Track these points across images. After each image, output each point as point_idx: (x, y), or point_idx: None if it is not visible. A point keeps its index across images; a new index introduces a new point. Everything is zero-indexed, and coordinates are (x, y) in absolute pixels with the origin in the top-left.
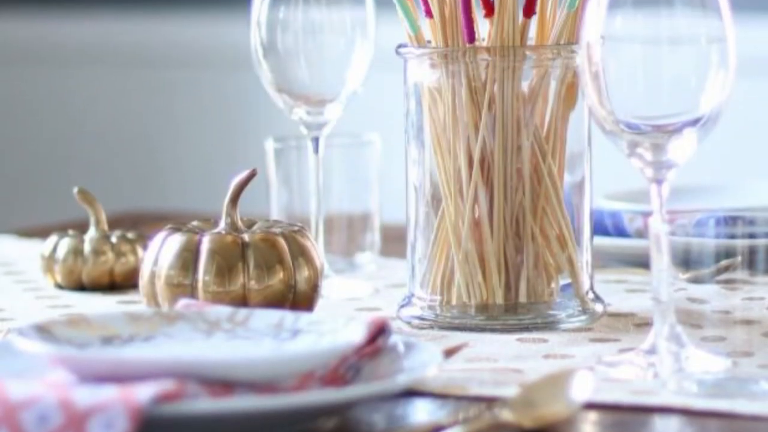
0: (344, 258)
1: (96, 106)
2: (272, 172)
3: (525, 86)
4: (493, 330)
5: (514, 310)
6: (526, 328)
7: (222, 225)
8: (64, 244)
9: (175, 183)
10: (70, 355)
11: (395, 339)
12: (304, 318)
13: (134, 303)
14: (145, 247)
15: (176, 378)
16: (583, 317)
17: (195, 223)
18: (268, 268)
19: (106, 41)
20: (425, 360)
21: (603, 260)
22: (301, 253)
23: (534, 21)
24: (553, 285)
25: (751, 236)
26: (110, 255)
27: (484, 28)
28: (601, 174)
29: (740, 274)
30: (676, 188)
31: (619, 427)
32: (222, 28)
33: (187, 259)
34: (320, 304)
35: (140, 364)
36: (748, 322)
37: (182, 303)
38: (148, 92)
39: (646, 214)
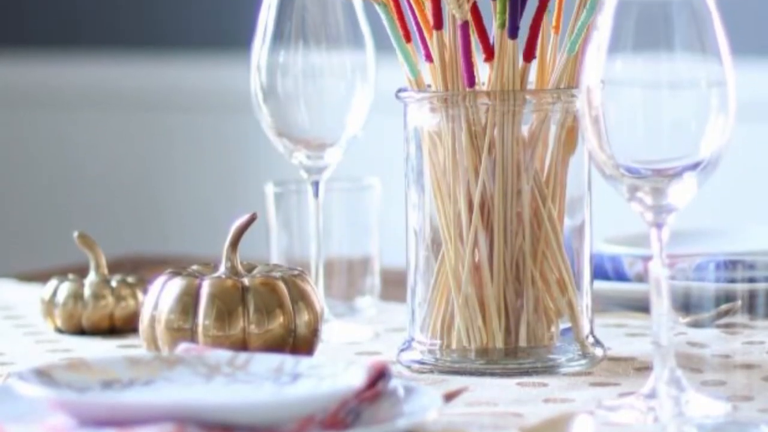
0: (344, 302)
1: (96, 150)
2: (272, 216)
3: (525, 130)
4: (493, 374)
5: (514, 354)
6: (526, 372)
7: (222, 269)
8: (64, 288)
9: (175, 227)
10: (70, 399)
11: (395, 383)
12: (304, 362)
13: (134, 347)
14: (145, 291)
15: (176, 422)
16: (583, 361)
17: (195, 267)
18: (268, 313)
19: (106, 85)
20: (425, 404)
21: (603, 304)
22: (301, 297)
23: (534, 65)
24: (553, 329)
25: (751, 280)
26: (110, 299)
27: (484, 72)
28: (601, 218)
29: (740, 319)
30: (676, 232)
31: None
32: (222, 72)
33: (187, 303)
34: (320, 348)
35: (140, 408)
36: (748, 367)
37: (182, 347)
38: (148, 136)
39: (646, 258)
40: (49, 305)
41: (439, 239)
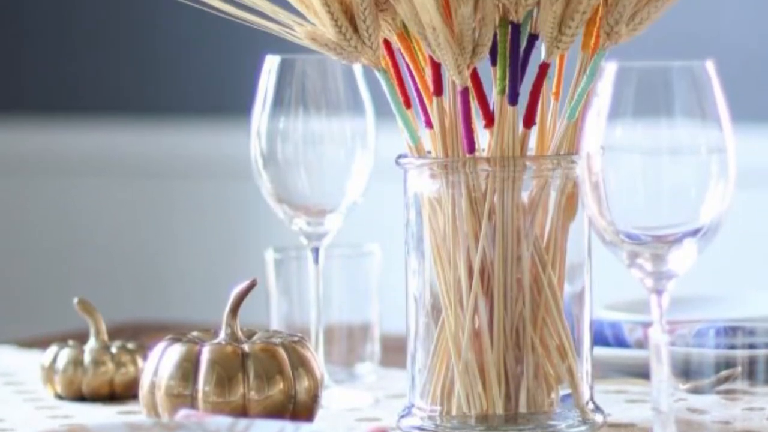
0: (344, 368)
1: (96, 216)
2: (272, 282)
3: (525, 196)
4: None
5: (514, 420)
6: None
7: (222, 335)
8: (64, 355)
9: (175, 293)
10: None
11: None
12: (304, 428)
13: (134, 413)
14: (145, 358)
15: None
16: (583, 428)
17: (195, 333)
18: (268, 379)
19: (106, 151)
20: None
21: (603, 371)
22: (301, 363)
23: (534, 131)
24: (553, 395)
25: (751, 347)
26: (110, 365)
27: (484, 138)
28: (601, 284)
29: (740, 385)
30: (676, 299)
31: None
32: (222, 139)
33: (187, 369)
34: (320, 414)
35: None
36: None
37: (182, 413)
38: (148, 202)
39: (646, 325)
40: (49, 371)
41: (439, 305)
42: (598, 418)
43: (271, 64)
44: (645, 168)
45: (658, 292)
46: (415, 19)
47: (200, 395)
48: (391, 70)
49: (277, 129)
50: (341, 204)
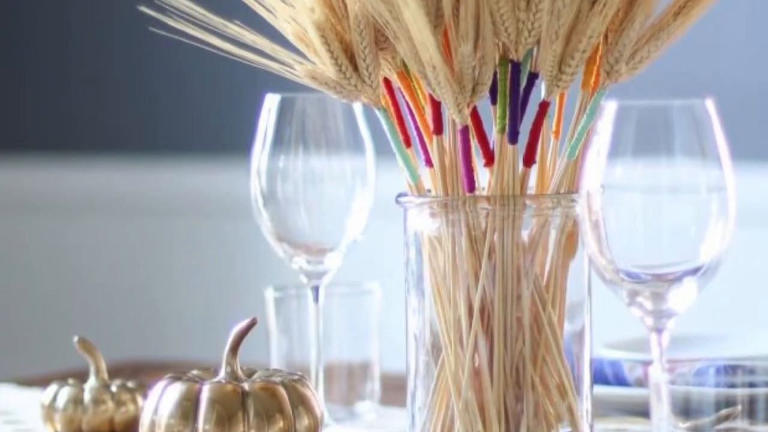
0: (344, 407)
1: (96, 254)
2: (272, 320)
3: (525, 235)
4: None
5: None
6: None
7: (222, 374)
8: (64, 393)
9: (175, 331)
10: None
11: None
12: None
13: None
14: (145, 396)
15: None
16: None
17: (195, 371)
18: (268, 417)
19: (106, 190)
20: None
21: (603, 409)
22: (301, 402)
23: (534, 170)
24: None
25: (751, 385)
26: (110, 404)
27: (484, 177)
28: (600, 322)
29: (740, 424)
30: (676, 337)
31: None
32: (222, 177)
33: (188, 408)
34: None
35: None
36: None
37: None
38: (148, 241)
39: (646, 363)
40: (50, 410)
41: (439, 344)
42: None
43: (271, 102)
44: (645, 207)
45: (658, 330)
46: (415, 58)
47: None
48: (391, 108)
49: (277, 167)
50: (341, 242)
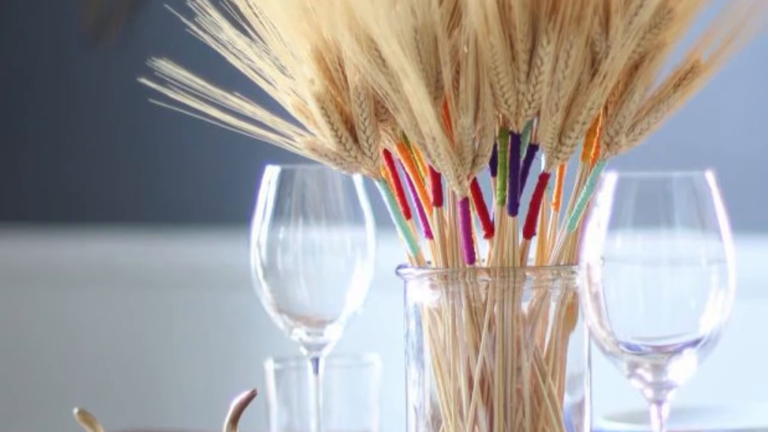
0: None
1: (96, 326)
2: (272, 392)
3: (525, 307)
4: None
5: None
6: None
7: None
8: None
9: (175, 403)
10: None
11: None
12: None
13: None
14: None
15: None
16: None
17: None
18: None
19: (106, 262)
20: None
21: None
22: None
23: (534, 241)
24: None
25: None
26: None
27: (484, 248)
28: (600, 394)
29: None
30: (676, 409)
31: None
32: (222, 249)
33: None
34: None
35: None
36: None
37: None
38: (148, 312)
39: None
40: None
41: (439, 416)
42: None
43: (271, 174)
44: (645, 278)
45: (659, 402)
46: (415, 129)
47: None
48: (391, 180)
49: (277, 239)
50: (341, 314)
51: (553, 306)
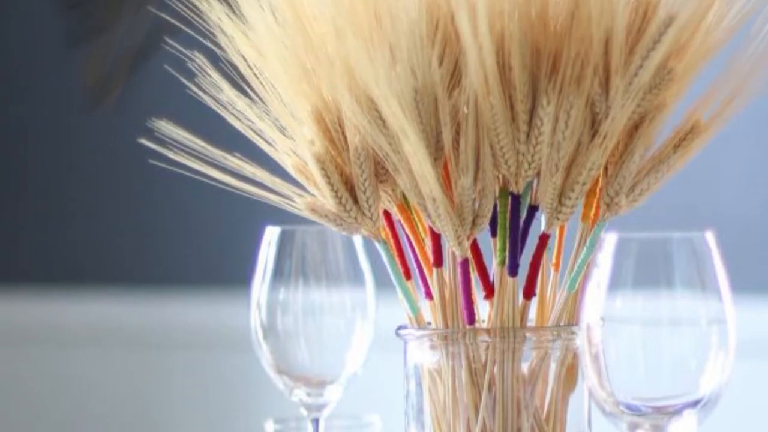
0: None
1: (96, 387)
2: None
3: (525, 367)
4: None
5: None
6: None
7: None
8: None
9: None
10: None
11: None
12: None
13: None
14: None
15: None
16: None
17: None
18: None
19: (106, 322)
20: None
21: None
22: None
23: (534, 302)
24: None
25: None
26: None
27: (484, 309)
28: None
29: None
30: None
31: None
32: (222, 310)
33: None
34: None
35: None
36: None
37: None
38: (148, 373)
39: None
40: None
41: None
42: None
43: (271, 235)
44: (645, 339)
45: None
46: (415, 190)
47: None
48: (391, 241)
49: (277, 300)
50: (341, 375)
51: (553, 366)
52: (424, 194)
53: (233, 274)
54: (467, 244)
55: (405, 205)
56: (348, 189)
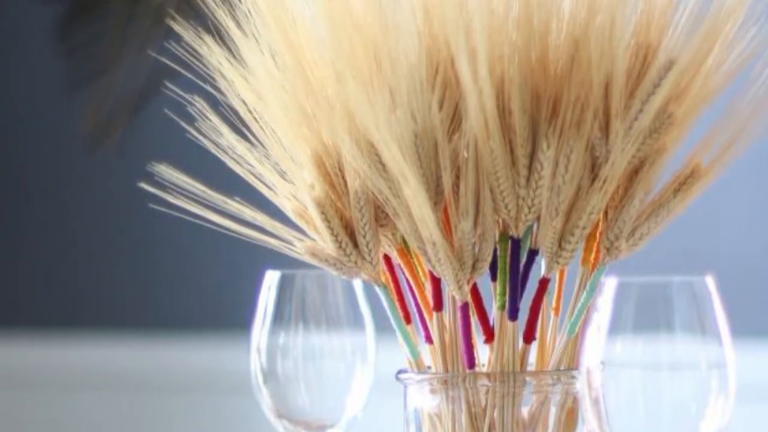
0: None
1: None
2: None
3: (525, 411)
4: None
5: None
6: None
7: None
8: None
9: None
10: None
11: None
12: None
13: None
14: None
15: None
16: None
17: None
18: None
19: (105, 367)
20: None
21: None
22: None
23: (534, 346)
24: None
25: None
26: None
27: (484, 353)
28: None
29: None
30: None
31: None
32: (222, 354)
33: None
34: None
35: None
36: None
37: None
38: (148, 417)
39: None
40: None
41: None
42: None
43: (271, 279)
44: (645, 383)
45: None
46: (415, 234)
47: None
48: (391, 285)
49: (277, 344)
50: (341, 419)
51: (553, 411)
52: (424, 238)
53: (233, 318)
54: (467, 288)
55: (405, 249)
56: (348, 233)
